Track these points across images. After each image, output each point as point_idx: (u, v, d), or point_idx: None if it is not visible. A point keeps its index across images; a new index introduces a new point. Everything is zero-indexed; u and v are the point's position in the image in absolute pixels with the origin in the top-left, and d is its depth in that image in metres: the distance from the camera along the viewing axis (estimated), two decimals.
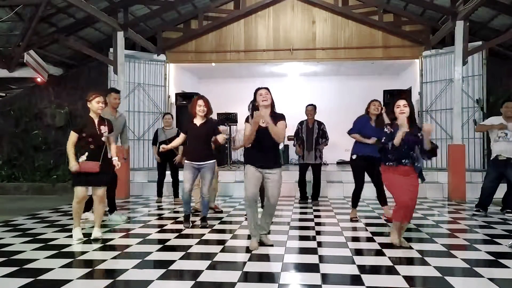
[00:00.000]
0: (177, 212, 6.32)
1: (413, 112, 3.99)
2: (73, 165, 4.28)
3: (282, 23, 9.88)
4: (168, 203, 7.28)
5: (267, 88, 4.04)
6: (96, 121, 4.43)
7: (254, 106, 4.03)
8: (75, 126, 4.55)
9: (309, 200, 7.36)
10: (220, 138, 4.99)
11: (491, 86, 8.81)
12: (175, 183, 7.32)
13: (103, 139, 4.43)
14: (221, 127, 5.51)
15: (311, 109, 6.98)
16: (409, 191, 3.96)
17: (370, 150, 5.23)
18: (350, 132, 5.55)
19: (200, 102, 5.05)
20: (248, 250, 3.98)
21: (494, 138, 5.82)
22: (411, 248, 4.03)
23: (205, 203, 5.22)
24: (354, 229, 5.03)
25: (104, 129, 4.44)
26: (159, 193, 7.43)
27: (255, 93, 4.04)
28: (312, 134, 6.88)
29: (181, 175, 7.20)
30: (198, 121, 5.08)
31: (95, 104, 4.40)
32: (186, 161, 5.12)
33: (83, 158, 4.31)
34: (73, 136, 4.35)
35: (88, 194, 4.59)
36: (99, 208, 4.56)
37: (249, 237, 4.26)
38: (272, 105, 4.00)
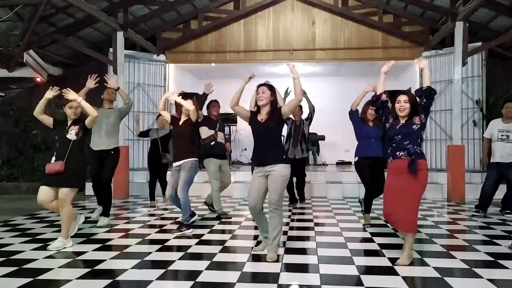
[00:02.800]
0: (178, 212, 6.31)
1: (416, 106, 3.69)
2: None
3: (282, 24, 9.88)
4: (168, 203, 7.27)
5: (267, 85, 3.88)
6: (69, 122, 4.35)
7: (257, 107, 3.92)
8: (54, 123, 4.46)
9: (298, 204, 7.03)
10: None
11: (490, 87, 8.82)
12: (165, 183, 7.16)
13: (68, 136, 4.25)
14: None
15: (298, 109, 6.95)
16: (394, 196, 3.59)
17: (373, 151, 5.12)
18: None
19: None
20: (247, 250, 3.97)
21: (494, 139, 5.84)
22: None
23: (184, 205, 4.83)
24: (353, 229, 5.03)
25: (72, 128, 4.30)
26: (152, 197, 7.09)
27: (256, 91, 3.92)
28: (299, 133, 6.91)
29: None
30: (182, 120, 5.05)
31: (68, 110, 4.33)
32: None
33: (53, 158, 4.24)
34: (43, 116, 4.39)
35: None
36: (62, 214, 4.14)
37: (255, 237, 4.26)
38: (273, 102, 3.85)
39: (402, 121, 3.71)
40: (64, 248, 4.09)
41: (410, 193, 3.55)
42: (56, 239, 4.19)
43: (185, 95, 8.84)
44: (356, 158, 5.27)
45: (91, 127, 4.43)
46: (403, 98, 3.71)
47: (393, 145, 3.71)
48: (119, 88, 5.66)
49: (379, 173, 5.13)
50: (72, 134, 4.27)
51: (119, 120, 5.60)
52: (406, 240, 3.61)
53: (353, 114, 5.41)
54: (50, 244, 4.11)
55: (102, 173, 5.34)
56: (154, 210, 6.64)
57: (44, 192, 4.16)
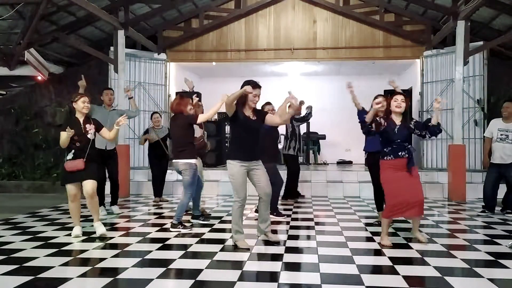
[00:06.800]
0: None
1: (407, 110, 4.17)
2: (67, 132, 4.32)
3: (283, 23, 9.87)
4: (169, 202, 7.28)
5: (261, 88, 4.08)
6: (81, 120, 4.54)
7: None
8: (63, 127, 4.54)
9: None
10: None
11: (492, 87, 8.80)
12: (163, 184, 7.36)
13: (89, 136, 4.51)
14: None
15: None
16: (410, 188, 4.00)
17: (378, 146, 5.10)
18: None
19: (190, 101, 5.17)
20: (247, 249, 3.98)
21: (494, 139, 5.85)
22: (428, 243, 4.15)
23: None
24: (354, 229, 5.03)
25: (89, 127, 4.54)
26: (156, 193, 7.31)
27: (249, 85, 3.98)
28: (296, 128, 6.98)
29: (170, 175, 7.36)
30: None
31: (80, 104, 4.51)
32: (194, 161, 4.96)
33: (70, 155, 4.45)
34: (63, 135, 4.41)
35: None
36: (91, 204, 4.57)
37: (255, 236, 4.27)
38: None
39: (397, 122, 4.10)
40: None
41: (420, 185, 4.12)
42: (57, 237, 4.28)
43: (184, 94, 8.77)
44: (365, 153, 5.32)
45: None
46: (400, 97, 4.15)
47: (394, 146, 4.06)
48: (132, 97, 6.38)
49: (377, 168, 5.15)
50: (91, 133, 4.54)
51: None
52: (417, 222, 4.27)
53: (360, 113, 5.40)
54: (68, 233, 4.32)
55: (109, 172, 6.02)
56: (156, 208, 6.64)
57: (73, 189, 4.51)
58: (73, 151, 4.44)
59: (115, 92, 8.22)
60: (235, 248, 4.02)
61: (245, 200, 4.06)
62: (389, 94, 9.64)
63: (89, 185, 4.47)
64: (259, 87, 4.06)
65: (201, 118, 4.86)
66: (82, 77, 5.86)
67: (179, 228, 4.83)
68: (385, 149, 4.12)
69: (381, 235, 4.20)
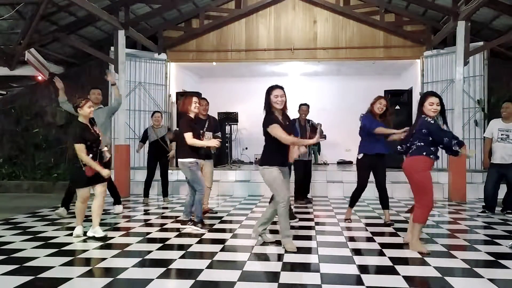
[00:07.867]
0: (178, 211, 6.31)
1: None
2: (105, 172, 4.48)
3: (283, 23, 9.88)
4: (169, 202, 7.28)
5: (282, 88, 3.99)
6: (89, 125, 4.55)
7: (269, 110, 3.98)
8: (79, 138, 4.39)
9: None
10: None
11: (492, 87, 8.81)
12: (166, 183, 7.32)
13: (101, 139, 4.60)
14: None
15: (306, 109, 6.94)
16: None
17: (379, 148, 5.06)
18: (373, 128, 5.01)
19: (195, 99, 4.99)
20: (248, 249, 3.98)
21: (495, 139, 5.86)
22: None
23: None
24: (354, 229, 5.03)
25: (97, 129, 4.61)
26: (146, 194, 7.27)
27: (269, 92, 3.96)
28: (306, 132, 6.92)
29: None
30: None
31: (87, 109, 4.47)
32: (193, 160, 4.88)
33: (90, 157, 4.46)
34: (82, 147, 4.35)
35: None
36: (100, 205, 4.60)
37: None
38: (285, 107, 4.03)
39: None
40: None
41: None
42: (57, 237, 4.29)
43: (186, 95, 8.79)
44: (361, 155, 5.19)
45: None
46: (436, 100, 3.92)
47: (439, 147, 3.93)
48: (115, 84, 6.31)
49: (381, 169, 5.17)
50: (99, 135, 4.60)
51: (109, 118, 6.12)
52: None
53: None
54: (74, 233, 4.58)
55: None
56: (155, 208, 6.64)
57: (87, 191, 4.57)
58: (90, 155, 4.39)
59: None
60: (284, 251, 3.89)
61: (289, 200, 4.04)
62: (389, 94, 9.65)
63: (103, 186, 4.59)
64: (280, 87, 3.98)
65: (187, 138, 4.80)
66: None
67: (198, 226, 4.84)
68: (432, 148, 3.91)
69: (416, 240, 3.93)
